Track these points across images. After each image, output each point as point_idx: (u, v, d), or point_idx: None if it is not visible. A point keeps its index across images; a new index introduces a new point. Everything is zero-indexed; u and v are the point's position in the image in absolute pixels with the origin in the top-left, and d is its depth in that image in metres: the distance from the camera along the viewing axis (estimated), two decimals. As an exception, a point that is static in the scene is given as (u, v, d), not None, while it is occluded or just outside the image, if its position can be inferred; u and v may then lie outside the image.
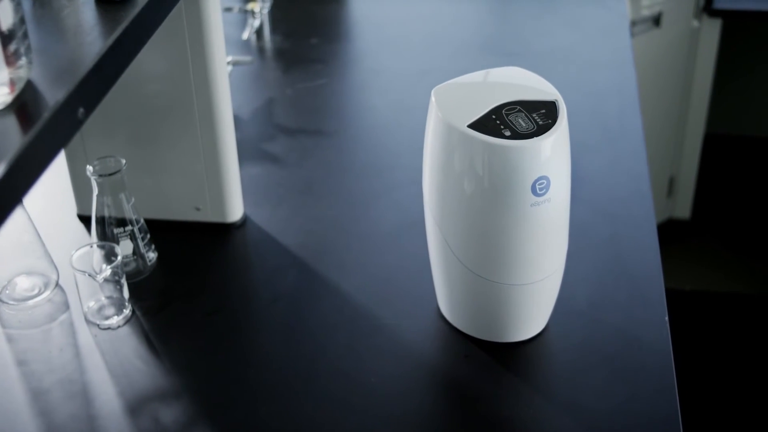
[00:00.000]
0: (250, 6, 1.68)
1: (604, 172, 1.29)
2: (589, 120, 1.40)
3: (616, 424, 0.91)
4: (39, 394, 0.96)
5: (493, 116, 0.88)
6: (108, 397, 0.95)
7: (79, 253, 1.02)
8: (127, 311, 1.05)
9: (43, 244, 1.08)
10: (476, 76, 0.96)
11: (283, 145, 1.38)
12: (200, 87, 1.09)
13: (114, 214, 1.07)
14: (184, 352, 1.02)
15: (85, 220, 1.20)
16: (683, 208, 2.54)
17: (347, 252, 1.16)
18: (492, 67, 0.97)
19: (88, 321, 1.05)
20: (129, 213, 1.08)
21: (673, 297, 1.13)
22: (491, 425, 0.92)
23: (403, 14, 1.80)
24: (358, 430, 0.91)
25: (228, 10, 1.71)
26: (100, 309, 1.05)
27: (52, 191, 1.27)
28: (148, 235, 1.12)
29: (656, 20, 2.20)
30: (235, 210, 1.19)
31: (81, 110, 0.68)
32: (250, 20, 1.68)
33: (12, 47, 0.65)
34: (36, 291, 1.08)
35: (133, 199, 1.08)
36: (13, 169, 0.59)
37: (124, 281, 1.04)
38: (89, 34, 0.74)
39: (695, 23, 2.25)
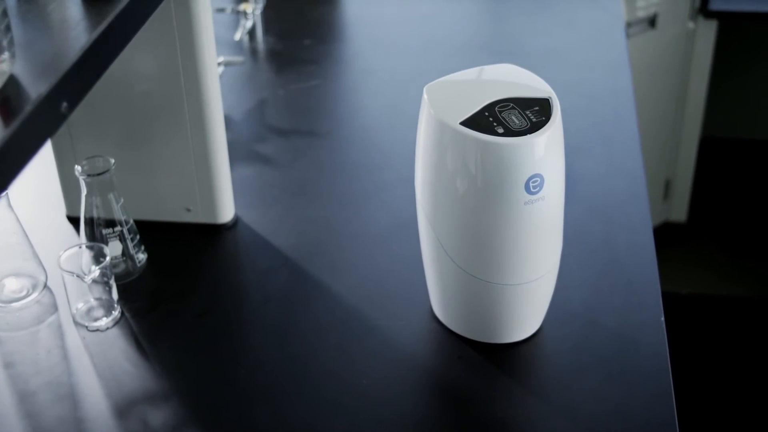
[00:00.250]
0: (242, 7, 1.67)
1: (600, 174, 1.28)
2: (585, 122, 1.39)
3: (611, 427, 0.90)
4: (26, 396, 0.95)
5: (486, 113, 0.87)
6: (96, 400, 0.94)
7: (68, 254, 1.01)
8: (116, 313, 1.04)
9: (32, 246, 1.07)
10: (469, 73, 0.95)
11: (276, 145, 1.37)
12: (191, 87, 1.08)
13: (103, 214, 1.06)
14: (174, 354, 1.00)
15: (74, 221, 1.19)
16: (679, 211, 2.53)
17: (339, 253, 1.15)
18: (486, 68, 0.97)
19: (76, 323, 1.03)
20: (118, 214, 1.07)
21: (669, 300, 1.12)
22: (484, 427, 0.91)
23: (396, 15, 1.79)
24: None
25: (220, 11, 1.70)
26: (89, 311, 1.04)
27: (41, 192, 1.25)
28: (138, 236, 1.10)
29: (652, 21, 2.19)
30: (226, 211, 1.18)
31: (64, 104, 0.67)
32: (242, 21, 1.67)
33: (-7, 41, 0.64)
34: (24, 293, 1.07)
35: (122, 200, 1.07)
36: (-6, 163, 0.58)
37: (113, 282, 1.03)
38: (74, 29, 0.74)
39: (691, 24, 2.24)
